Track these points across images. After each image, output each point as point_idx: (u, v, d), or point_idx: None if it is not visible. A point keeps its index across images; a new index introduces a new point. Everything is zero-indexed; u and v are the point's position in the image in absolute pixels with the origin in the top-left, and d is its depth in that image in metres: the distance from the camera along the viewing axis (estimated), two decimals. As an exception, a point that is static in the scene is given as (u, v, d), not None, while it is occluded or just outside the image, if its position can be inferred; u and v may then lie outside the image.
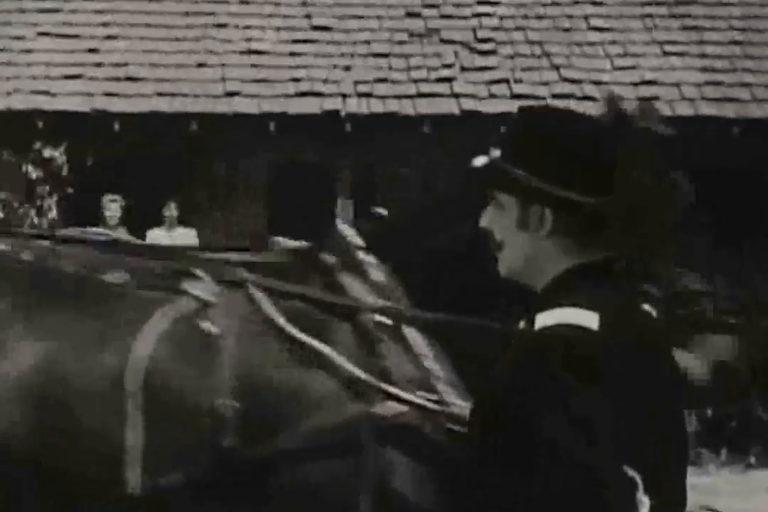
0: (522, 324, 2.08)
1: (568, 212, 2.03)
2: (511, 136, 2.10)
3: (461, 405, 2.51)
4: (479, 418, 2.05)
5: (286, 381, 2.58)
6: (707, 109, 8.66)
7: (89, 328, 2.64)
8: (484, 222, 2.14)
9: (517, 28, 9.49)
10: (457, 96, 8.84)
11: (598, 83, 8.91)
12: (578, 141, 2.05)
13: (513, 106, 8.73)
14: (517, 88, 8.91)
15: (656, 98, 8.74)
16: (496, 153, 2.09)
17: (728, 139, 8.59)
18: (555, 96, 8.81)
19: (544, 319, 1.98)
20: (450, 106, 8.74)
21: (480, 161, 2.14)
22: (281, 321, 2.60)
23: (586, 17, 9.60)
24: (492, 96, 8.87)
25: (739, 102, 8.73)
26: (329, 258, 2.75)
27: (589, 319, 1.96)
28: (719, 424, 7.66)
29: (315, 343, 2.58)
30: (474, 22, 9.55)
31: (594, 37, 9.40)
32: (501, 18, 9.62)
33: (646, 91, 8.82)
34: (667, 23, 9.44)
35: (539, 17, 9.61)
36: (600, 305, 1.98)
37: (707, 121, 8.59)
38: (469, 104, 8.79)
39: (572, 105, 8.73)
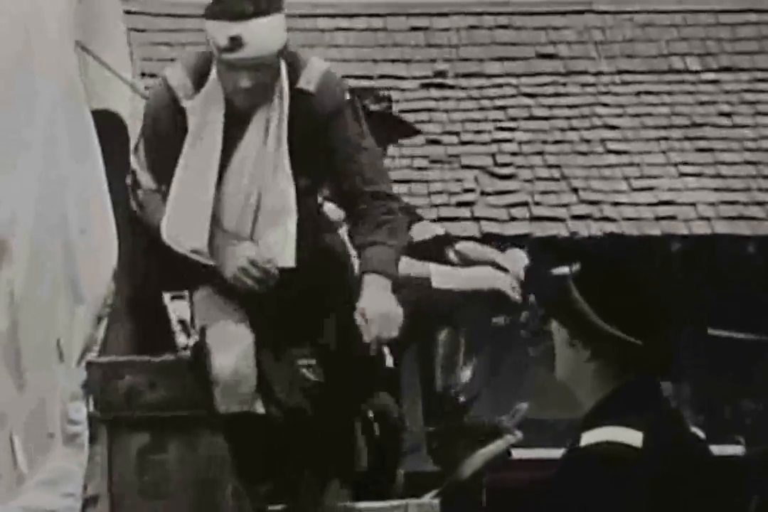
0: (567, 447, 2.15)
1: (611, 348, 2.12)
2: (584, 268, 2.19)
3: None
4: None
5: None
6: (723, 228, 8.79)
7: None
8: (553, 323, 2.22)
9: (536, 153, 9.70)
10: (477, 219, 9.01)
11: (616, 204, 9.06)
12: (637, 290, 2.15)
13: (532, 229, 8.90)
14: (537, 211, 9.07)
15: (673, 218, 8.89)
16: (577, 269, 2.18)
17: (744, 256, 8.69)
18: (574, 217, 8.96)
19: (589, 438, 2.05)
20: (471, 230, 8.89)
21: (560, 271, 2.22)
22: None
23: (602, 140, 9.80)
24: (512, 219, 9.02)
25: (754, 220, 8.86)
26: None
27: (634, 438, 2.02)
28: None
29: None
30: (493, 147, 9.76)
31: (611, 159, 9.58)
32: (520, 143, 9.84)
33: (663, 211, 8.97)
34: (682, 145, 9.63)
35: (557, 141, 9.82)
36: (643, 424, 2.05)
37: (723, 240, 8.71)
38: (489, 227, 8.94)
39: (591, 226, 8.88)
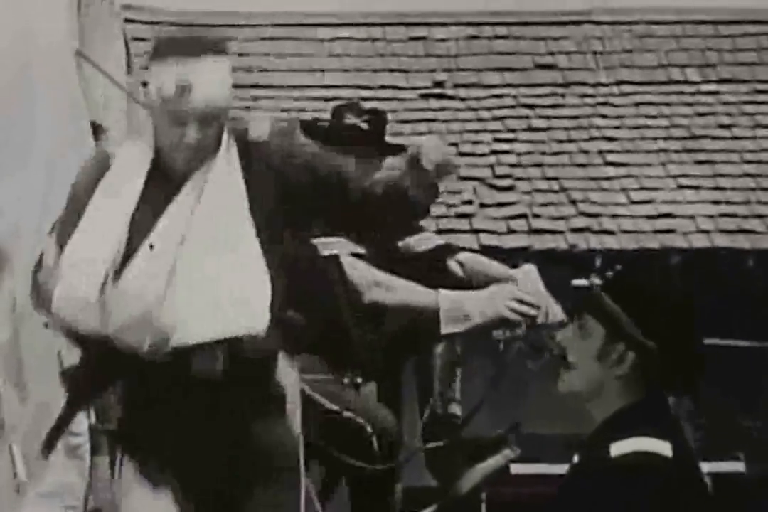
0: (576, 457, 2.15)
1: (648, 359, 2.11)
2: (620, 274, 2.19)
3: None
4: None
5: None
6: (722, 241, 8.79)
7: None
8: (560, 336, 2.22)
9: (535, 165, 9.70)
10: (476, 231, 9.00)
11: (615, 216, 9.06)
12: (671, 301, 2.15)
13: (531, 241, 8.90)
14: (536, 223, 9.07)
15: (672, 231, 8.89)
16: (596, 281, 2.19)
17: (743, 270, 8.69)
18: (572, 230, 8.96)
19: (621, 448, 2.04)
20: (469, 242, 8.88)
21: (580, 282, 2.22)
22: None
23: (601, 152, 9.80)
24: (511, 231, 9.02)
25: (753, 234, 8.87)
26: None
27: (664, 447, 2.02)
28: None
29: None
30: (492, 159, 9.77)
31: (610, 171, 9.59)
32: (518, 154, 9.84)
33: (662, 224, 8.96)
34: (680, 157, 9.64)
35: (556, 153, 9.82)
36: (666, 436, 2.06)
37: (722, 253, 8.71)
38: (488, 239, 8.94)
39: (590, 238, 8.88)
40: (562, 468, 2.27)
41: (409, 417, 4.27)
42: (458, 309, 3.52)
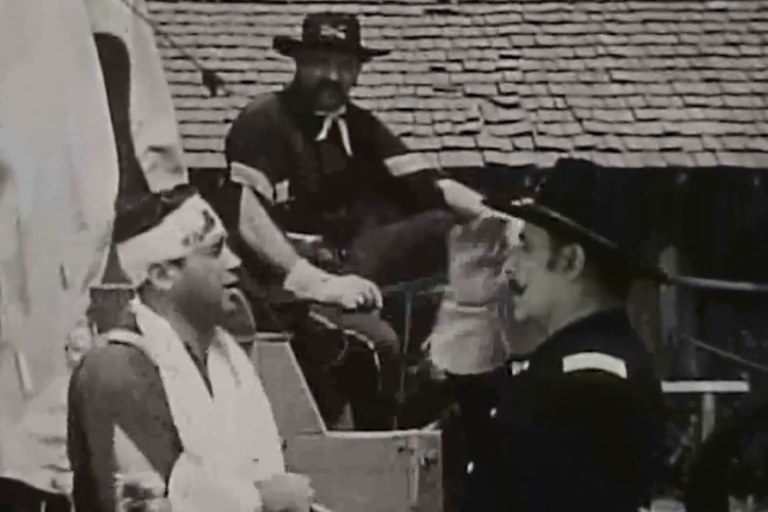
0: (526, 365, 2.14)
1: (598, 256, 2.09)
2: (550, 182, 2.17)
3: None
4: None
5: None
6: (728, 160, 8.73)
7: None
8: (507, 266, 2.20)
9: (540, 82, 9.60)
10: (481, 149, 8.94)
11: (620, 135, 9.00)
12: (607, 193, 2.13)
13: (536, 159, 8.85)
14: (541, 141, 9.01)
15: (678, 149, 8.83)
16: (529, 200, 2.18)
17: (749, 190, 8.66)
18: (578, 148, 8.90)
19: (574, 363, 2.01)
20: (474, 159, 8.83)
21: (519, 202, 2.22)
22: None
23: (607, 70, 9.70)
24: (516, 149, 8.96)
25: (760, 153, 8.81)
26: None
27: (617, 366, 2.00)
28: (746, 471, 7.64)
29: None
30: (497, 76, 9.67)
31: (616, 89, 9.50)
32: (524, 71, 9.74)
33: (668, 143, 8.90)
34: (688, 75, 9.54)
35: (562, 70, 9.72)
36: (625, 354, 2.04)
37: (728, 172, 8.66)
38: (493, 157, 8.89)
39: (595, 156, 8.82)
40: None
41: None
42: (306, 282, 3.60)
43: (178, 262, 2.54)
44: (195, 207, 2.56)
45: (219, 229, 2.58)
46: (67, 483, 3.23)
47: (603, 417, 1.97)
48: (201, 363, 2.57)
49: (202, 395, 2.53)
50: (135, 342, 2.52)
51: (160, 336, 2.53)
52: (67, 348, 3.35)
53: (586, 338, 2.06)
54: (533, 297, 2.14)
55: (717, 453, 5.98)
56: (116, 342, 2.53)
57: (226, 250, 2.58)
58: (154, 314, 2.55)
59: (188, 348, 2.56)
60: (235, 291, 2.59)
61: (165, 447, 2.43)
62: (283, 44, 4.14)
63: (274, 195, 3.79)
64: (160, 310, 2.56)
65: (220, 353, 2.62)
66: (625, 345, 2.07)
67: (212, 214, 2.58)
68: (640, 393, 2.02)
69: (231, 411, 2.55)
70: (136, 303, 2.60)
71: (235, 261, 2.59)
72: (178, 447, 2.44)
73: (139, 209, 2.61)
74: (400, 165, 4.01)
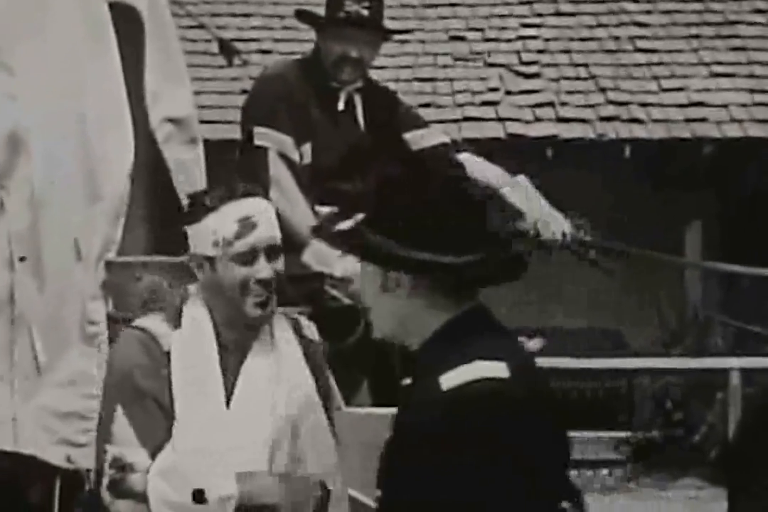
0: (408, 381, 2.09)
1: (423, 274, 2.02)
2: (370, 202, 2.14)
3: None
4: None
5: None
6: (755, 131, 8.62)
7: None
8: (352, 287, 2.21)
9: (562, 51, 9.51)
10: (501, 120, 8.87)
11: (645, 105, 8.90)
12: (426, 205, 2.08)
13: (558, 130, 8.76)
14: (563, 111, 8.92)
15: (704, 120, 8.72)
16: (359, 217, 2.14)
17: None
18: (601, 118, 8.81)
19: (453, 380, 1.95)
20: (495, 130, 8.75)
21: (345, 225, 2.19)
22: None
23: (631, 38, 9.60)
24: (537, 119, 8.88)
25: (787, 123, 8.70)
26: None
27: (499, 369, 1.94)
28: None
29: None
30: (518, 45, 9.58)
31: (640, 58, 9.40)
32: (546, 40, 9.64)
33: (694, 113, 8.80)
34: (714, 44, 9.42)
35: (584, 39, 9.62)
36: (499, 352, 1.97)
37: (755, 143, 8.55)
38: (514, 128, 8.80)
39: (619, 127, 8.73)
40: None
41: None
42: (324, 257, 3.51)
43: (210, 260, 2.65)
44: (230, 214, 2.62)
45: (255, 237, 2.62)
46: (81, 458, 3.21)
47: (492, 424, 1.91)
48: (234, 356, 2.66)
49: (212, 389, 2.61)
50: (150, 328, 2.69)
51: (191, 324, 2.67)
52: (81, 322, 3.32)
53: (451, 350, 1.99)
54: (377, 317, 2.11)
55: (755, 429, 5.92)
56: (136, 328, 2.73)
57: (263, 260, 2.62)
58: (200, 301, 2.70)
59: (220, 344, 2.67)
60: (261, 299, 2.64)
61: (158, 427, 2.54)
62: (305, 17, 4.08)
63: (300, 157, 3.75)
64: (202, 299, 2.71)
65: (262, 347, 2.68)
66: (495, 342, 2.01)
67: (256, 220, 2.63)
68: (526, 387, 1.97)
69: (242, 413, 2.60)
70: (193, 288, 2.75)
71: (268, 272, 2.63)
72: (170, 433, 2.55)
73: (192, 201, 2.74)
74: (419, 138, 3.97)
